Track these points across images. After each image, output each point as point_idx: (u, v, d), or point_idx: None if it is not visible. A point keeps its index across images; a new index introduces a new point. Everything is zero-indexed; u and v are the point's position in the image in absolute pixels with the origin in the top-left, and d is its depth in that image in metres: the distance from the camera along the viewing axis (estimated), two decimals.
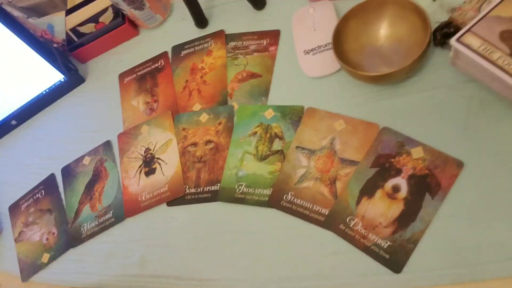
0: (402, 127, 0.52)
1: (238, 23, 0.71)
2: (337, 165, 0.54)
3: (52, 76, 0.78)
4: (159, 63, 0.75)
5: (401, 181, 0.49)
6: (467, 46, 0.44)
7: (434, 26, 0.53)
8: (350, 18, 0.57)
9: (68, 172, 0.73)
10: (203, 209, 0.60)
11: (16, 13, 0.84)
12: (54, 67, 0.76)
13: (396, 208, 0.48)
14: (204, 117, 0.65)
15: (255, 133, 0.61)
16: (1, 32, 0.69)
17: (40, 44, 0.74)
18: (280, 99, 0.62)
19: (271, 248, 0.53)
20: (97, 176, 0.70)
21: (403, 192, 0.49)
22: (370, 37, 0.57)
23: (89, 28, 0.81)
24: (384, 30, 0.57)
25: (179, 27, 0.77)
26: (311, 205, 0.53)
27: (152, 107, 0.71)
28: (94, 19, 0.82)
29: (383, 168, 0.51)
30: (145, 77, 0.75)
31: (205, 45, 0.72)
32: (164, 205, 0.62)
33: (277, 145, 0.58)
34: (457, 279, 0.43)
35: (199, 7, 0.72)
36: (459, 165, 0.47)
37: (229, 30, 0.71)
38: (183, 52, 0.74)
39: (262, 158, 0.58)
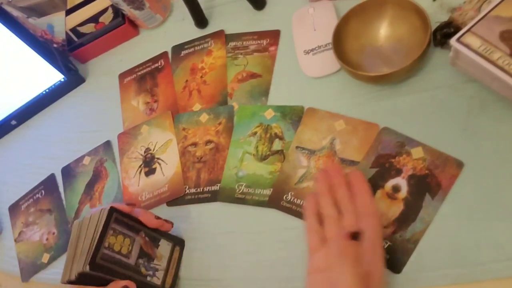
0: (402, 127, 0.52)
1: (238, 23, 0.71)
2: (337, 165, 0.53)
3: (52, 76, 0.78)
4: (159, 63, 0.75)
5: (401, 181, 0.49)
6: (467, 46, 0.44)
7: (434, 26, 0.53)
8: (350, 18, 0.57)
9: (68, 172, 0.73)
10: (203, 209, 0.60)
11: (16, 13, 0.84)
12: (54, 67, 0.76)
13: (396, 208, 0.48)
14: (204, 117, 0.65)
15: (255, 133, 0.61)
16: (1, 32, 0.69)
17: (40, 44, 0.74)
18: (280, 99, 0.62)
19: (271, 248, 0.53)
20: (97, 176, 0.70)
21: (403, 192, 0.49)
22: (370, 37, 0.57)
23: (89, 28, 0.81)
24: (384, 30, 0.57)
25: (179, 27, 0.77)
26: None
27: (152, 107, 0.71)
28: (94, 19, 0.82)
29: (383, 168, 0.51)
30: (145, 77, 0.75)
31: (205, 45, 0.72)
32: (164, 205, 0.62)
33: (277, 145, 0.58)
34: (457, 279, 0.43)
35: (199, 7, 0.72)
36: (459, 165, 0.47)
37: (229, 30, 0.71)
38: (183, 52, 0.74)
39: (262, 158, 0.58)
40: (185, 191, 0.61)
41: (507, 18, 0.44)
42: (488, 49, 0.43)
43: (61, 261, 0.66)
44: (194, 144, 0.64)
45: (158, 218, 0.54)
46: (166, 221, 0.56)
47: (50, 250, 0.67)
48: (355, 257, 0.40)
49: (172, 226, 0.56)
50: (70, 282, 0.48)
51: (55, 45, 0.80)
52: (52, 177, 0.74)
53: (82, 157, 0.73)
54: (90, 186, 0.69)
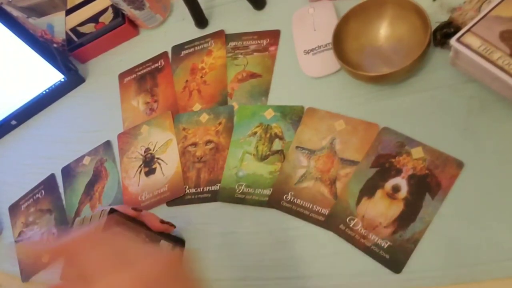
0: (402, 127, 0.52)
1: (238, 23, 0.71)
2: (337, 165, 0.54)
3: (52, 76, 0.78)
4: (159, 63, 0.75)
5: (401, 181, 0.49)
6: (467, 46, 0.44)
7: (434, 26, 0.53)
8: (350, 18, 0.57)
9: (68, 172, 0.73)
10: (203, 209, 0.60)
11: (16, 13, 0.84)
12: (54, 67, 0.76)
13: (396, 208, 0.48)
14: (204, 117, 0.65)
15: (255, 133, 0.61)
16: (1, 32, 0.69)
17: (40, 44, 0.74)
18: (280, 99, 0.62)
19: (271, 248, 0.53)
20: (97, 176, 0.70)
21: (403, 192, 0.49)
22: (370, 37, 0.57)
23: (89, 28, 0.81)
24: (384, 30, 0.57)
25: (179, 27, 0.77)
26: (311, 205, 0.53)
27: (152, 107, 0.71)
28: (94, 19, 0.82)
29: (383, 168, 0.51)
30: (145, 77, 0.75)
31: (205, 45, 0.72)
32: (164, 205, 0.62)
33: (277, 145, 0.58)
34: (457, 279, 0.43)
35: (199, 7, 0.72)
36: (459, 165, 0.47)
37: (229, 30, 0.71)
38: (183, 52, 0.73)
39: (262, 158, 0.58)
40: (185, 191, 0.61)
41: (507, 18, 0.44)
42: (488, 49, 0.43)
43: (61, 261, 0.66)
44: (194, 144, 0.64)
45: (163, 222, 0.55)
46: (170, 224, 0.56)
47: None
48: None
49: (175, 228, 0.56)
50: None
51: (55, 45, 0.80)
52: (52, 177, 0.74)
53: (82, 157, 0.73)
54: (90, 186, 0.69)
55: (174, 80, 0.72)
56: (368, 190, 0.51)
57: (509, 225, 0.43)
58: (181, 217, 0.60)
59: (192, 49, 0.73)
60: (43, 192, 0.74)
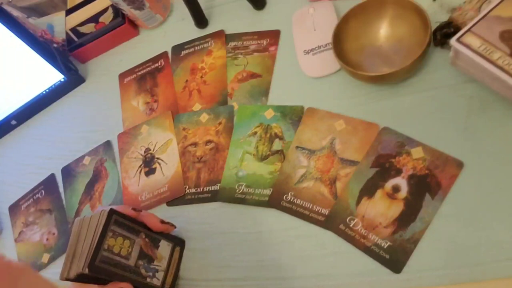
0: (402, 127, 0.52)
1: (238, 23, 0.71)
2: (337, 165, 0.54)
3: (52, 76, 0.78)
4: (159, 63, 0.75)
5: (401, 181, 0.49)
6: (467, 46, 0.44)
7: (434, 26, 0.53)
8: (350, 18, 0.57)
9: (68, 172, 0.73)
10: (203, 209, 0.60)
11: (16, 13, 0.84)
12: (54, 67, 0.76)
13: (396, 208, 0.48)
14: (204, 117, 0.65)
15: (255, 133, 0.61)
16: (1, 32, 0.69)
17: (40, 44, 0.74)
18: (280, 99, 0.62)
19: (271, 248, 0.53)
20: (97, 176, 0.70)
21: (403, 192, 0.49)
22: (370, 37, 0.57)
23: (89, 28, 0.81)
24: (384, 30, 0.57)
25: (179, 27, 0.77)
26: (311, 205, 0.53)
27: (152, 107, 0.71)
28: (94, 19, 0.82)
29: (383, 168, 0.51)
30: (145, 77, 0.75)
31: (205, 45, 0.72)
32: (164, 205, 0.62)
33: (277, 145, 0.58)
34: (457, 279, 0.43)
35: (199, 7, 0.72)
36: (459, 165, 0.47)
37: (229, 30, 0.71)
38: (183, 52, 0.74)
39: (262, 158, 0.58)
40: (185, 191, 0.61)
41: (507, 18, 0.44)
42: (488, 49, 0.43)
43: (61, 261, 0.66)
44: (194, 144, 0.64)
45: (163, 222, 0.55)
46: (170, 224, 0.56)
47: (50, 250, 0.67)
48: None
49: (175, 228, 0.57)
50: (69, 280, 0.48)
51: (55, 45, 0.80)
52: (52, 177, 0.74)
53: (82, 157, 0.73)
54: (90, 186, 0.69)
55: (174, 80, 0.72)
56: (368, 190, 0.51)
57: (509, 225, 0.43)
58: (181, 217, 0.60)
59: (192, 49, 0.73)
60: (43, 192, 0.74)
